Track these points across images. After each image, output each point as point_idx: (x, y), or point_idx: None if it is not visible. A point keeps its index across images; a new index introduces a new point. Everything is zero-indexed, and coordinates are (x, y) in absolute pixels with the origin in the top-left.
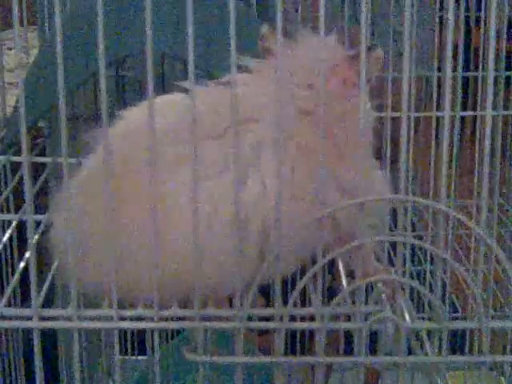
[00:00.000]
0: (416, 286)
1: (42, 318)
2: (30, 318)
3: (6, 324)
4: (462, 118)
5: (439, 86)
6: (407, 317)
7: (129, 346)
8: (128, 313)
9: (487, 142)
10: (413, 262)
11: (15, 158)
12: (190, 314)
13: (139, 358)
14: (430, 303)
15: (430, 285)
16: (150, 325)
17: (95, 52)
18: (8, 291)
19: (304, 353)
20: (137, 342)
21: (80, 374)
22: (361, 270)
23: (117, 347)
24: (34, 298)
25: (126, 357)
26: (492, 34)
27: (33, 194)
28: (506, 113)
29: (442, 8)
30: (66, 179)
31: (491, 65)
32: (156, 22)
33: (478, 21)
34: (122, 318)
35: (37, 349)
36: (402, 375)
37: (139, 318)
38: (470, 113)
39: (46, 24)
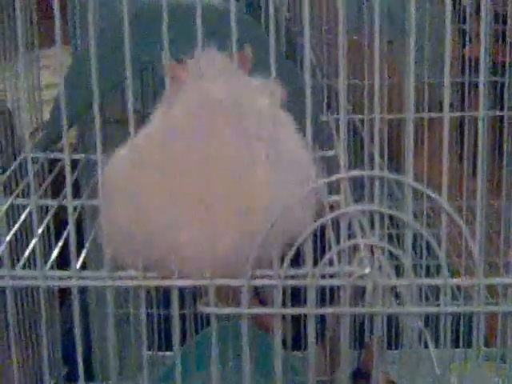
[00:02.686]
0: (390, 249)
1: (81, 278)
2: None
3: (51, 283)
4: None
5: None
6: (384, 274)
7: (155, 342)
8: (152, 274)
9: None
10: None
11: (55, 155)
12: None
13: (166, 353)
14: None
15: None
16: (170, 282)
17: (122, 61)
18: (52, 256)
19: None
20: (163, 337)
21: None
22: (346, 235)
23: (144, 337)
24: (73, 260)
25: (153, 352)
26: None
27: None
28: None
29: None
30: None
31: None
32: (173, 32)
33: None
34: (147, 278)
35: (75, 306)
36: (378, 323)
37: (161, 278)
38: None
39: (78, 40)
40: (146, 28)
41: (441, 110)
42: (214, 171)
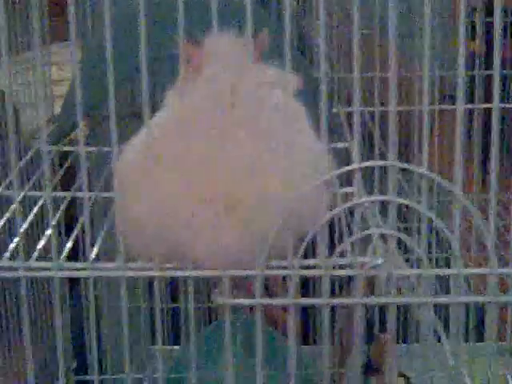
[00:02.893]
0: (404, 239)
1: (95, 269)
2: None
3: (65, 274)
4: None
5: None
6: (397, 265)
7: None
8: (166, 265)
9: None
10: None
11: (67, 148)
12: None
13: (174, 347)
14: None
15: None
16: (185, 273)
17: (132, 54)
18: (66, 248)
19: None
20: (171, 331)
21: None
22: (358, 226)
23: (159, 329)
24: (87, 251)
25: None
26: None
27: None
28: None
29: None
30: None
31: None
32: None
33: None
34: (162, 269)
35: (91, 296)
36: (391, 313)
37: (175, 269)
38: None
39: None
40: (152, 25)
41: (452, 103)
42: (226, 166)
